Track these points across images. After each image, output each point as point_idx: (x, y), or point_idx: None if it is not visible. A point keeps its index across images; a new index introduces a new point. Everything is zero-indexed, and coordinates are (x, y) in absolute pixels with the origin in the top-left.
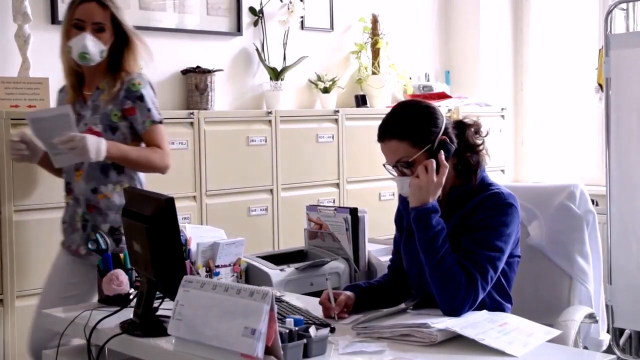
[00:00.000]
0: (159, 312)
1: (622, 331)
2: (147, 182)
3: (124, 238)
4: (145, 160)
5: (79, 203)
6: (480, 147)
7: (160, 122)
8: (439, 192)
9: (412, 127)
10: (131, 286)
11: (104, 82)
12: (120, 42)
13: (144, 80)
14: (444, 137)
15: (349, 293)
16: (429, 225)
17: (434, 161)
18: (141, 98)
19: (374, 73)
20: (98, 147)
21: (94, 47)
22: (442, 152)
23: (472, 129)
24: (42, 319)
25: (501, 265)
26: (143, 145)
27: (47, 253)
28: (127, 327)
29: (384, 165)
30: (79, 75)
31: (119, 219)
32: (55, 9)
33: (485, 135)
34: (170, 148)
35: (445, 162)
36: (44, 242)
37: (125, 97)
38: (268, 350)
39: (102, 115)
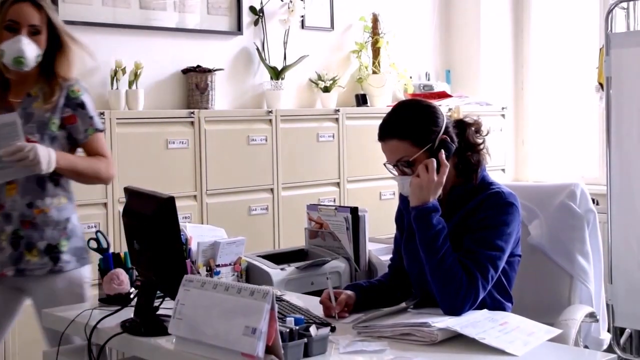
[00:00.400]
0: (160, 312)
1: (622, 330)
2: (147, 181)
3: (62, 256)
4: (92, 170)
5: (10, 219)
6: (481, 146)
7: (102, 131)
8: (440, 191)
9: (413, 127)
10: (132, 285)
11: (36, 88)
12: (53, 46)
13: (82, 87)
14: (445, 136)
15: (349, 292)
16: (429, 224)
17: (434, 160)
18: (82, 105)
19: (374, 72)
20: (49, 157)
21: (31, 51)
22: (442, 151)
23: (473, 128)
24: (44, 318)
25: (502, 264)
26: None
27: None
28: (127, 327)
29: (384, 164)
30: (3, 81)
31: (57, 235)
32: (56, 8)
33: (486, 135)
34: (171, 147)
35: (445, 161)
36: None
37: (65, 105)
38: (269, 350)
39: (39, 123)
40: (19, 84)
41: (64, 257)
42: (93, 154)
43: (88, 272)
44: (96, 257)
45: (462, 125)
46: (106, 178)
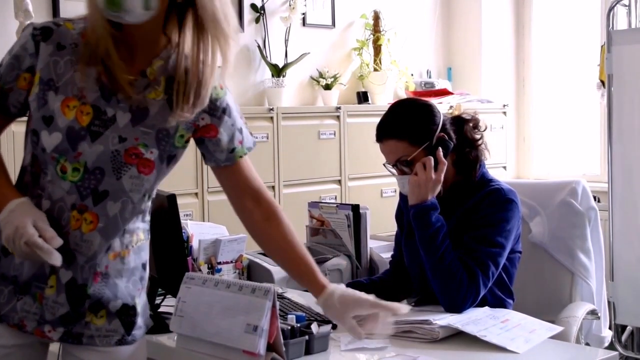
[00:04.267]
0: (161, 309)
1: (624, 327)
2: None
3: (137, 320)
4: None
5: (73, 262)
6: (479, 142)
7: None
8: (438, 189)
9: (410, 126)
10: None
11: (158, 62)
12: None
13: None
14: (442, 134)
15: None
16: (428, 222)
17: (432, 158)
18: (227, 111)
19: (375, 70)
20: None
21: None
22: (440, 149)
23: (471, 124)
24: None
25: (502, 261)
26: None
27: None
28: None
29: (384, 164)
30: (123, 40)
31: (132, 289)
32: (57, 6)
33: (484, 130)
34: None
35: (443, 159)
36: None
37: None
38: (270, 347)
39: (160, 132)
40: (144, 48)
41: (139, 321)
42: (246, 185)
43: None
44: None
45: (459, 122)
46: None
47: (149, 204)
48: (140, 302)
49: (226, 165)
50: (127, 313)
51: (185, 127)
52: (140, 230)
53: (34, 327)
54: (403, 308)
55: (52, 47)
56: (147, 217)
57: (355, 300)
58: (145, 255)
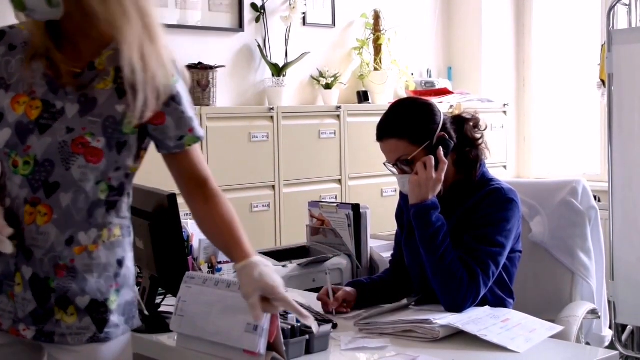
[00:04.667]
0: (162, 309)
1: (624, 327)
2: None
3: (111, 318)
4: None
5: (32, 258)
6: (480, 141)
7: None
8: (439, 189)
9: (410, 125)
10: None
11: (105, 54)
12: None
13: (177, 70)
14: (443, 133)
15: (348, 289)
16: (428, 222)
17: (432, 158)
18: (176, 98)
19: (376, 69)
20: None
21: None
22: (440, 148)
23: (471, 123)
24: None
25: (502, 260)
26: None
27: None
28: None
29: (384, 164)
30: (52, 31)
31: (104, 286)
32: None
33: (484, 129)
34: None
35: (444, 158)
36: None
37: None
38: (270, 347)
39: (107, 119)
40: (87, 41)
41: (113, 319)
42: (192, 173)
43: (130, 337)
44: None
45: (460, 121)
46: None
47: (125, 199)
48: (118, 299)
49: (175, 152)
50: (98, 310)
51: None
52: (114, 226)
53: (9, 326)
54: (313, 325)
55: (4, 48)
56: (126, 214)
57: (272, 287)
58: (122, 252)
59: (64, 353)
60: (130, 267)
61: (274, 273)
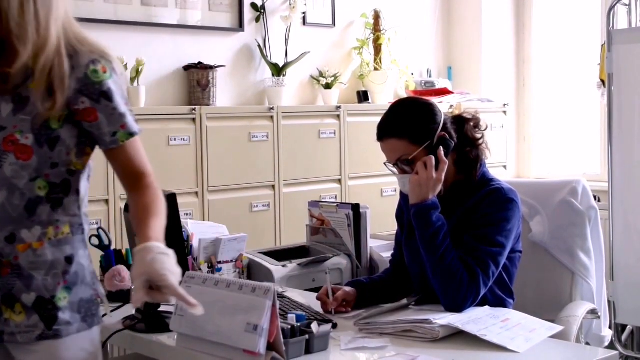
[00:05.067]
0: (162, 308)
1: (624, 327)
2: None
3: (60, 315)
4: (165, 215)
5: None
6: (480, 141)
7: (138, 134)
8: (439, 188)
9: (411, 125)
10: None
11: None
12: None
13: (111, 65)
14: (443, 133)
15: (347, 289)
16: (429, 221)
17: (432, 157)
18: (107, 95)
19: (376, 69)
20: (177, 273)
21: None
22: (441, 148)
23: (471, 123)
24: None
25: (503, 260)
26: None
27: None
28: (129, 323)
29: (384, 164)
30: None
31: (51, 283)
32: None
33: (485, 129)
34: (173, 144)
35: (444, 158)
36: None
37: (79, 91)
38: (270, 346)
39: (36, 117)
40: (12, 42)
41: (63, 316)
42: (129, 168)
43: (98, 335)
44: (98, 253)
45: (460, 121)
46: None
47: (74, 197)
48: (69, 297)
49: (112, 148)
50: (45, 307)
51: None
52: (62, 224)
53: None
54: (199, 309)
55: None
56: (77, 212)
57: (159, 274)
58: (72, 250)
59: (24, 353)
60: (84, 264)
61: (169, 262)
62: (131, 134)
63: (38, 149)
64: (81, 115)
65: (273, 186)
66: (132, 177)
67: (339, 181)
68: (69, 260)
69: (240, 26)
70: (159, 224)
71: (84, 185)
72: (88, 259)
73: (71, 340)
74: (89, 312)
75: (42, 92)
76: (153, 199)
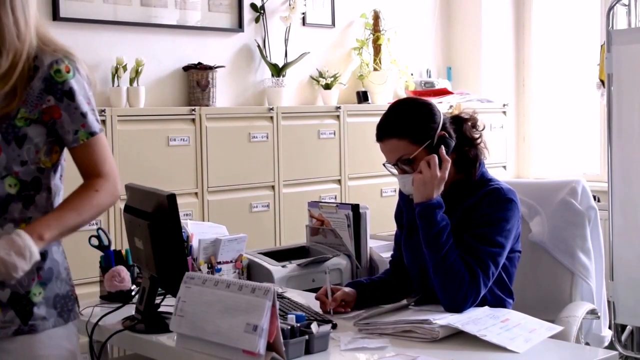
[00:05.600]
0: (161, 309)
1: (624, 327)
2: (149, 178)
3: (35, 310)
4: (92, 212)
5: None
6: (478, 141)
7: (99, 133)
8: (442, 187)
9: (411, 125)
10: (133, 283)
11: None
12: None
13: (75, 65)
14: (443, 132)
15: (347, 289)
16: (433, 220)
17: (436, 156)
18: (70, 94)
19: (375, 69)
20: (27, 251)
21: None
22: (442, 147)
23: (469, 123)
24: None
25: (502, 260)
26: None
27: None
28: (129, 324)
29: (384, 164)
30: None
31: (26, 279)
32: (57, 6)
33: (482, 129)
34: (172, 144)
35: (447, 156)
36: None
37: (45, 90)
38: (270, 347)
39: (4, 116)
40: None
41: (38, 311)
42: (86, 168)
43: (75, 331)
44: (98, 254)
45: (458, 121)
46: (112, 203)
47: (45, 194)
48: (44, 292)
49: (74, 146)
50: (20, 302)
51: (27, 108)
52: (34, 221)
53: None
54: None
55: None
56: (49, 208)
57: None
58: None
59: (2, 352)
60: (58, 260)
61: (21, 250)
62: (91, 134)
63: (5, 146)
64: (49, 113)
65: (273, 186)
66: (87, 176)
67: (339, 181)
68: (43, 256)
69: (240, 26)
70: (59, 215)
71: (55, 183)
72: (62, 255)
73: (47, 336)
74: (65, 308)
75: (7, 91)
76: (81, 195)
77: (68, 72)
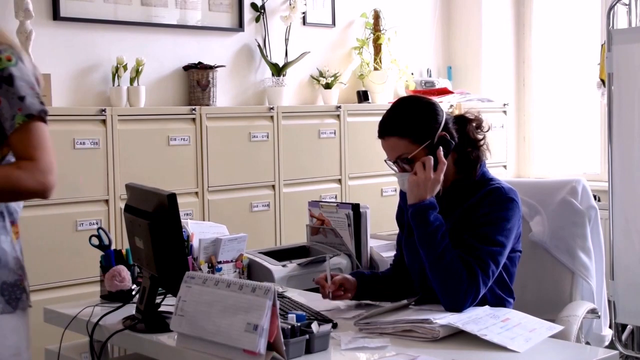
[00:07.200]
0: (162, 308)
1: (624, 326)
2: (149, 178)
3: None
4: (6, 185)
5: None
6: (481, 142)
7: (40, 118)
8: (437, 189)
9: (413, 124)
10: (133, 282)
11: None
12: None
13: (18, 54)
14: (444, 132)
15: (348, 276)
16: (426, 221)
17: (431, 158)
18: (9, 80)
19: (375, 69)
20: None
21: None
22: (440, 148)
23: (474, 124)
24: (46, 315)
25: (503, 260)
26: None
27: (52, 248)
28: (129, 323)
29: (385, 161)
30: None
31: None
32: (57, 5)
33: (487, 131)
34: (173, 144)
35: (443, 158)
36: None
37: None
38: (270, 346)
39: None
40: None
41: None
42: (19, 153)
43: (24, 323)
44: (98, 253)
45: (462, 121)
46: (34, 191)
47: None
48: None
49: (10, 132)
50: None
51: None
52: None
53: None
54: None
55: None
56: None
57: None
58: None
59: None
60: (6, 249)
61: None
62: (28, 115)
63: None
64: None
65: (273, 186)
66: (19, 159)
67: (339, 181)
68: None
69: (240, 26)
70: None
71: None
72: (10, 244)
73: None
74: (12, 296)
75: None
76: (4, 171)
77: (9, 60)
